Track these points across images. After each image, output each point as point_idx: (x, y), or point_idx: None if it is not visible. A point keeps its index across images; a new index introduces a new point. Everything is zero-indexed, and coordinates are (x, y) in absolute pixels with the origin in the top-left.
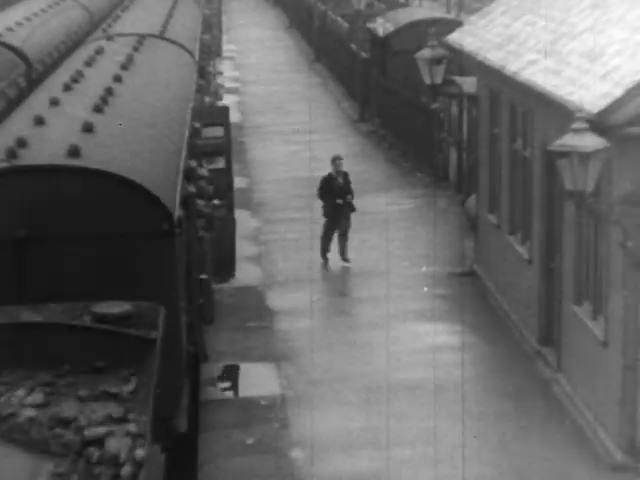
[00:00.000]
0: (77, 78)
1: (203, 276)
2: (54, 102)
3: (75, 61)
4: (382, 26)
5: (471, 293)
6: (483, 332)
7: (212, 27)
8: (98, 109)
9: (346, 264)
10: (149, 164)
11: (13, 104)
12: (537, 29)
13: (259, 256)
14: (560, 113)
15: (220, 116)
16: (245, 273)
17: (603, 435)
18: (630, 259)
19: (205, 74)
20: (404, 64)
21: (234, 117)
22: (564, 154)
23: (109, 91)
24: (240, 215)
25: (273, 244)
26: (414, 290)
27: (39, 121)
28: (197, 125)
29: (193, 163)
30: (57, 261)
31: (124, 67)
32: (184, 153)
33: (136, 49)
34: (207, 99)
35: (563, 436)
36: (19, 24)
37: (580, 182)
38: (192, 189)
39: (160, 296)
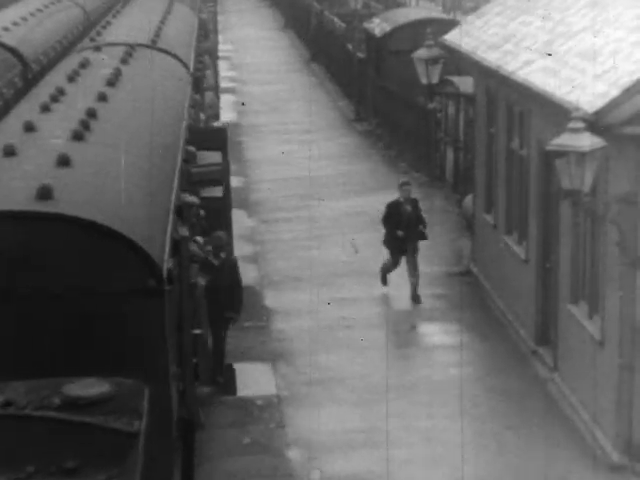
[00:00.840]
0: (57, 96)
1: (197, 331)
2: (29, 127)
3: (57, 76)
4: (378, 26)
5: (468, 293)
6: (480, 331)
7: (208, 34)
8: (78, 136)
9: (416, 304)
10: (134, 205)
11: (9, 104)
12: (534, 29)
13: (255, 256)
14: (557, 113)
15: (217, 139)
16: (241, 272)
17: (599, 435)
18: (626, 258)
19: (200, 87)
20: (401, 64)
21: (230, 117)
22: (561, 154)
23: (91, 113)
24: (237, 215)
25: (269, 244)
26: (411, 290)
27: (9, 152)
28: (191, 149)
29: (187, 196)
30: (21, 325)
31: (110, 83)
32: (176, 185)
33: (124, 61)
34: (202, 116)
35: (560, 436)
36: (15, 24)
37: (577, 182)
38: (185, 229)
39: (146, 368)
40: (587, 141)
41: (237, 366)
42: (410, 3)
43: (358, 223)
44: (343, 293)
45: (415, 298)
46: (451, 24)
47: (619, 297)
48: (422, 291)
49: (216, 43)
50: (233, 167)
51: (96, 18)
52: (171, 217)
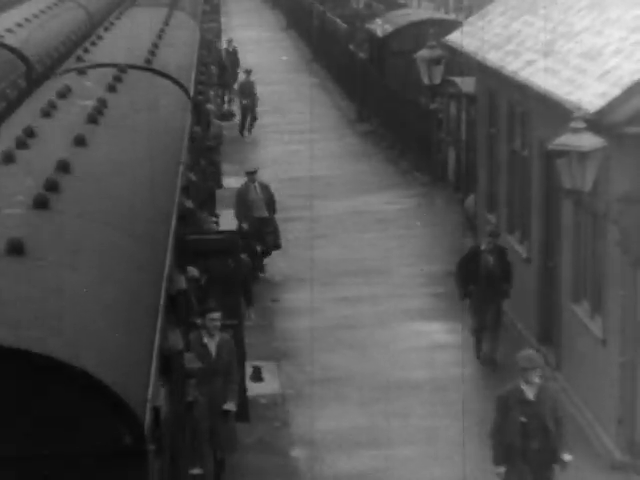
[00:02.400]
0: (25, 141)
1: (196, 471)
2: None
3: (31, 108)
4: (381, 27)
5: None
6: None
7: (211, 48)
8: (41, 203)
9: (490, 365)
10: (106, 327)
11: (13, 105)
12: (535, 29)
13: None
14: (558, 113)
15: (228, 245)
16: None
17: (602, 433)
18: (628, 258)
19: (202, 114)
20: (403, 64)
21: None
22: (562, 153)
23: (63, 167)
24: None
25: None
26: (413, 289)
27: None
28: (189, 205)
29: (181, 281)
30: None
31: (91, 119)
32: (167, 271)
33: (111, 88)
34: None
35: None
36: (19, 25)
37: (578, 181)
38: (178, 338)
39: None
40: (588, 141)
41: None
42: (412, 4)
43: (361, 222)
44: (346, 292)
45: (488, 361)
46: (453, 24)
47: (621, 296)
48: (424, 290)
49: (221, 62)
50: (235, 167)
51: (99, 19)
52: (157, 335)
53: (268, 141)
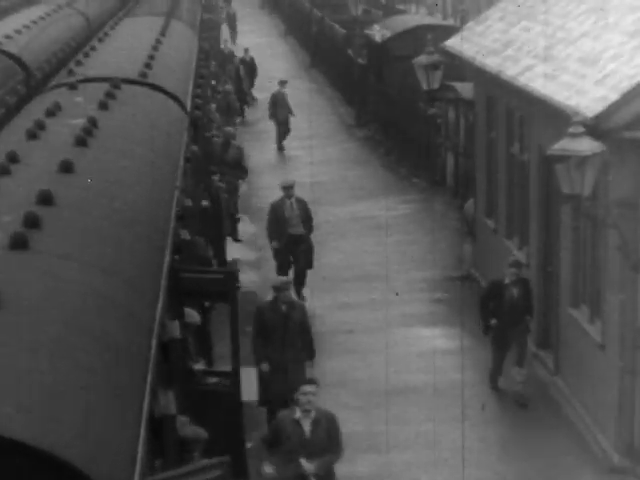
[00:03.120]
0: (7, 167)
1: None
2: None
3: (17, 129)
4: (379, 32)
5: (469, 297)
6: (480, 336)
7: (209, 58)
8: (19, 243)
9: (522, 403)
10: (83, 394)
11: (11, 111)
12: (534, 35)
13: (258, 261)
14: (557, 118)
15: (224, 284)
16: (244, 278)
17: (601, 437)
18: (627, 262)
19: (199, 133)
20: (401, 70)
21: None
22: (561, 158)
23: (45, 198)
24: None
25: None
26: (412, 294)
27: None
28: (184, 236)
29: (174, 327)
30: None
31: (80, 141)
32: (155, 335)
33: (103, 106)
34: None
35: (561, 439)
36: (18, 32)
37: (577, 186)
38: (170, 405)
39: None
40: (587, 146)
41: (242, 370)
42: (410, 10)
43: (360, 228)
44: (346, 298)
45: (521, 400)
46: (451, 30)
47: (620, 301)
48: (423, 296)
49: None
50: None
51: (98, 25)
52: (146, 399)
53: (267, 147)
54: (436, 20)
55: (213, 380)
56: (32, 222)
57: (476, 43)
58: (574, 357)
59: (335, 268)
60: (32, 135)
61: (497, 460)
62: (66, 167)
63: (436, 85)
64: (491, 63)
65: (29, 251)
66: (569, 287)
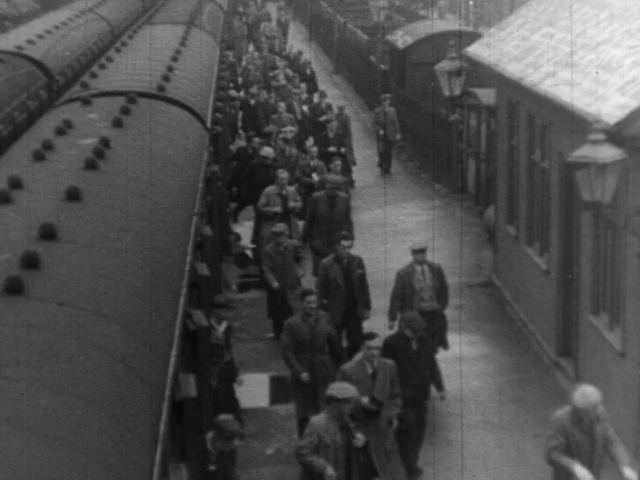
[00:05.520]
0: (8, 195)
1: None
2: None
3: (24, 148)
4: (401, 38)
5: (489, 304)
6: (501, 342)
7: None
8: (15, 288)
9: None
10: None
11: (34, 116)
12: (555, 41)
13: None
14: (578, 124)
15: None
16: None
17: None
18: None
19: (221, 148)
20: (423, 76)
21: None
22: (582, 165)
23: (47, 233)
24: (246, 224)
25: None
26: None
27: None
28: (202, 272)
29: (191, 390)
30: None
31: (90, 164)
32: (167, 396)
33: (117, 123)
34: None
35: None
36: (40, 37)
37: (598, 193)
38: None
39: None
40: (608, 153)
41: (261, 377)
42: (432, 16)
43: (381, 234)
44: None
45: None
46: (473, 37)
47: None
48: None
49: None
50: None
51: (121, 31)
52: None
53: None
54: (456, 26)
55: None
56: (30, 262)
57: (498, 49)
58: (594, 365)
59: None
60: (39, 156)
61: (516, 467)
62: (73, 194)
63: (458, 91)
64: (513, 70)
65: (25, 296)
66: (589, 294)
